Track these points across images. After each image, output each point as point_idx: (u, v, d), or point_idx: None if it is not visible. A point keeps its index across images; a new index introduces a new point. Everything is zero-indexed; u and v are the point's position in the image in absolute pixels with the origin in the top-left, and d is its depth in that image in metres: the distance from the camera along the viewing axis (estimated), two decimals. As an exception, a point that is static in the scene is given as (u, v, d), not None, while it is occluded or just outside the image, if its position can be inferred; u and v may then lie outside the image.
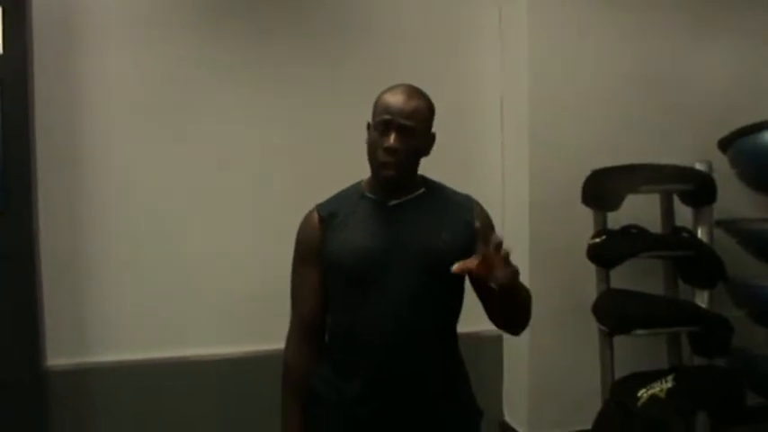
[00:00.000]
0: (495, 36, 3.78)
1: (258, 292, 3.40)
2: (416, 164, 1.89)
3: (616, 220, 3.34)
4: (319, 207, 1.95)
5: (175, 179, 3.37)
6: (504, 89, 3.77)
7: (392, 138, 1.79)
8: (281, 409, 1.96)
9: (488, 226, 1.94)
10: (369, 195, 1.91)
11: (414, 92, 1.86)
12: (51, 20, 3.20)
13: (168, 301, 3.36)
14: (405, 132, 1.79)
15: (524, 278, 3.39)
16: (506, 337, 3.58)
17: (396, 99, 1.82)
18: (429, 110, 1.88)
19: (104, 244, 3.30)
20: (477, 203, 1.99)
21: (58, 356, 3.24)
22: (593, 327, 3.26)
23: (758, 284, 3.29)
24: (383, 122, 1.80)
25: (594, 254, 3.22)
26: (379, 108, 1.84)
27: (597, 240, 3.23)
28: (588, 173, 3.34)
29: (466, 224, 1.88)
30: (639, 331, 3.11)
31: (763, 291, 3.26)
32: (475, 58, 3.76)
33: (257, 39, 3.46)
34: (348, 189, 1.98)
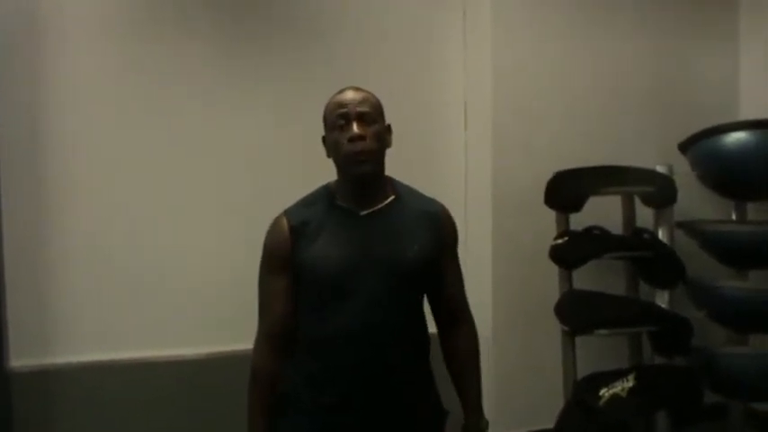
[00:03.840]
0: (459, 37, 3.80)
1: (226, 293, 3.37)
2: (383, 154, 1.90)
3: (578, 221, 3.37)
4: (288, 215, 1.92)
5: (141, 177, 3.32)
6: (467, 90, 3.78)
7: (354, 126, 1.81)
8: (249, 413, 1.94)
9: (455, 239, 2.04)
10: (340, 204, 1.90)
11: (357, 87, 1.91)
12: (15, 17, 3.17)
13: (134, 301, 3.31)
14: (364, 119, 1.83)
15: (487, 279, 3.44)
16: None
17: (345, 95, 1.87)
18: (378, 100, 1.92)
19: (68, 243, 3.24)
20: (446, 214, 2.02)
21: (21, 357, 3.18)
22: (555, 327, 3.28)
23: (717, 285, 3.33)
24: (341, 116, 1.83)
25: (557, 255, 3.25)
26: (332, 108, 1.87)
27: (560, 241, 3.26)
28: (551, 174, 3.35)
29: (434, 236, 1.94)
30: (601, 331, 3.15)
31: (722, 291, 3.30)
32: (439, 59, 3.77)
33: (225, 37, 3.44)
34: (315, 194, 1.98)
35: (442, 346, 2.07)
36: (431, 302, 2.05)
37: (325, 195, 1.94)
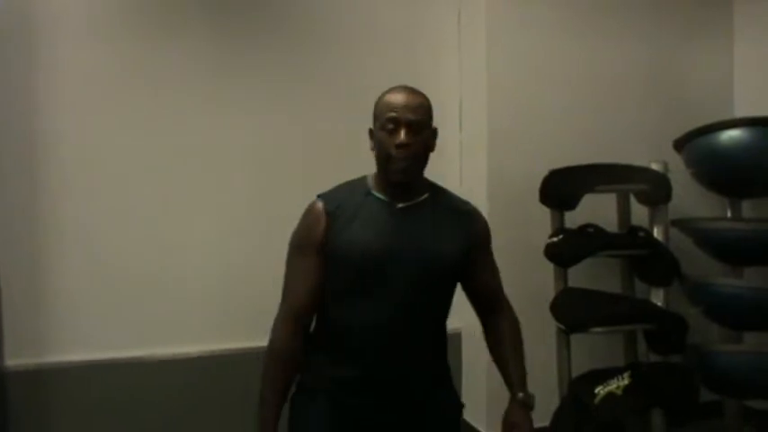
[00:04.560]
0: (454, 37, 3.81)
1: (224, 292, 3.40)
2: (426, 160, 1.94)
3: (573, 219, 3.37)
4: (325, 199, 1.94)
5: (136, 177, 3.32)
6: (462, 89, 3.79)
7: (402, 134, 1.82)
8: (262, 389, 1.92)
9: (487, 237, 2.08)
10: (376, 194, 1.93)
11: (413, 89, 1.91)
12: (8, 17, 3.16)
13: (130, 300, 3.31)
14: (413, 127, 1.84)
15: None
16: (465, 334, 3.60)
17: (399, 97, 1.86)
18: (430, 105, 1.93)
19: (63, 242, 3.24)
20: (478, 214, 2.07)
21: (16, 357, 3.18)
22: (550, 325, 3.28)
23: (712, 283, 3.34)
24: (391, 120, 1.83)
25: (552, 253, 3.25)
26: (383, 108, 1.87)
27: (555, 239, 3.26)
28: (546, 173, 3.36)
29: (466, 234, 1.98)
30: (596, 329, 3.16)
31: (717, 289, 3.31)
32: (434, 59, 3.77)
33: (222, 36, 3.44)
34: (352, 183, 2.00)
35: (486, 332, 2.13)
36: (469, 294, 2.09)
37: (362, 185, 1.97)
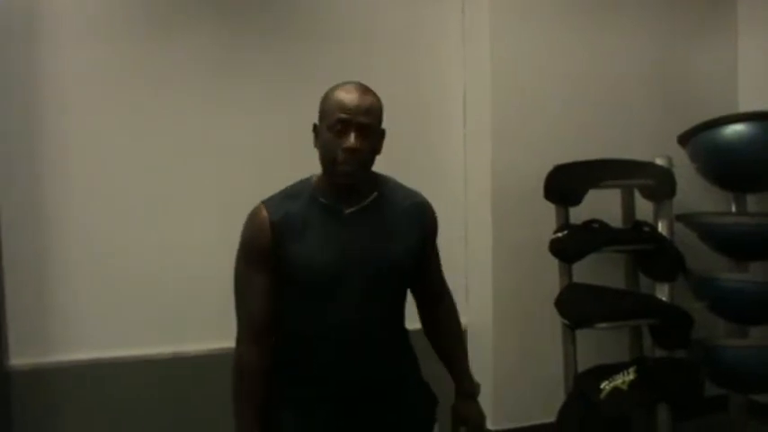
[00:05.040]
0: (458, 32, 3.80)
1: (222, 292, 3.35)
2: (373, 162, 1.84)
3: (578, 214, 3.37)
4: (269, 208, 1.86)
5: (139, 177, 3.33)
6: (466, 85, 3.79)
7: (352, 137, 1.72)
8: (235, 412, 1.87)
9: (435, 230, 2.03)
10: (322, 200, 1.84)
11: (365, 89, 1.80)
12: (10, 16, 3.16)
13: (134, 299, 3.32)
14: (363, 131, 1.74)
15: (487, 273, 3.44)
16: (470, 331, 3.58)
17: (351, 97, 1.75)
18: (380, 105, 1.82)
19: (68, 242, 3.25)
20: (428, 206, 1.99)
21: (20, 356, 3.19)
22: (555, 320, 3.28)
23: (717, 277, 3.35)
24: (341, 121, 1.73)
25: (557, 248, 3.25)
26: (332, 107, 1.77)
27: (559, 235, 3.26)
28: (551, 168, 3.36)
29: (419, 231, 1.93)
30: (601, 324, 3.15)
31: (722, 283, 3.32)
32: (438, 55, 3.78)
33: (224, 36, 3.44)
34: (296, 187, 1.91)
35: (425, 323, 2.11)
36: (412, 289, 2.04)
37: (307, 189, 1.88)
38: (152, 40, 3.35)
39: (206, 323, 3.39)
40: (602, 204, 3.48)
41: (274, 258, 1.82)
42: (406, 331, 2.01)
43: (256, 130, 3.49)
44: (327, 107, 1.79)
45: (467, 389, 2.04)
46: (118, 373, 3.28)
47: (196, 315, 3.40)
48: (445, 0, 3.79)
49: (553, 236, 3.29)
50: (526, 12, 3.60)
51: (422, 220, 1.95)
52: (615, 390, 3.01)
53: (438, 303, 2.09)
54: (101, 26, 3.29)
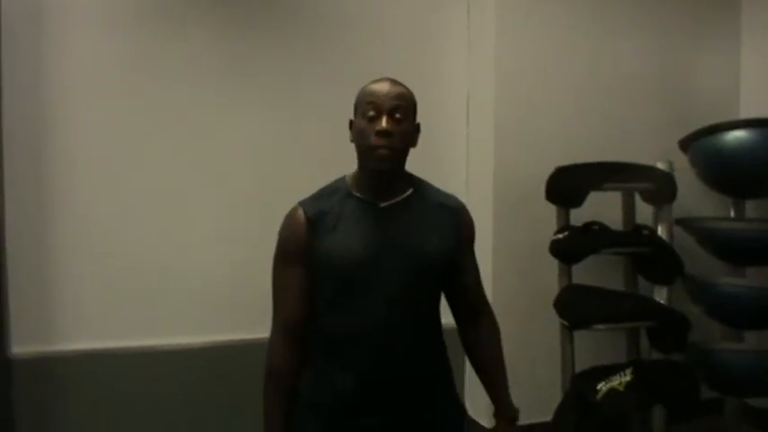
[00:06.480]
0: (462, 32, 3.83)
1: (230, 281, 3.43)
2: (407, 153, 1.85)
3: (578, 216, 3.39)
4: (305, 206, 1.85)
5: (143, 167, 3.34)
6: (470, 87, 3.81)
7: (384, 120, 1.74)
8: (265, 411, 1.86)
9: (472, 234, 2.03)
10: (357, 195, 1.84)
11: (396, 81, 1.83)
12: (19, 9, 3.17)
13: (135, 289, 3.33)
14: (395, 115, 1.75)
15: (487, 272, 3.45)
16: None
17: (381, 86, 1.79)
18: (413, 97, 1.84)
19: (70, 231, 3.26)
20: (464, 210, 1.99)
21: (22, 344, 3.20)
22: (554, 321, 3.30)
23: (715, 282, 3.36)
24: (372, 106, 1.76)
25: (557, 249, 3.27)
26: (364, 97, 1.80)
27: (560, 236, 3.28)
28: (552, 170, 3.38)
29: (453, 230, 1.91)
30: (599, 326, 3.17)
31: (719, 288, 3.33)
32: (442, 56, 3.80)
33: (230, 32, 3.45)
34: (331, 186, 1.91)
35: (464, 340, 2.06)
36: (449, 298, 2.02)
37: (342, 186, 1.88)
38: (158, 37, 3.36)
39: (208, 315, 3.42)
40: (602, 207, 3.51)
41: (310, 253, 1.81)
42: (441, 335, 1.96)
43: (260, 127, 3.50)
44: (360, 99, 1.82)
45: (509, 414, 2.01)
46: (120, 363, 3.30)
47: (201, 306, 3.42)
48: (450, 1, 3.81)
49: (553, 237, 3.30)
50: (530, 15, 3.63)
51: (458, 222, 1.93)
52: (612, 391, 3.02)
53: (479, 325, 2.04)
54: (107, 22, 3.30)
